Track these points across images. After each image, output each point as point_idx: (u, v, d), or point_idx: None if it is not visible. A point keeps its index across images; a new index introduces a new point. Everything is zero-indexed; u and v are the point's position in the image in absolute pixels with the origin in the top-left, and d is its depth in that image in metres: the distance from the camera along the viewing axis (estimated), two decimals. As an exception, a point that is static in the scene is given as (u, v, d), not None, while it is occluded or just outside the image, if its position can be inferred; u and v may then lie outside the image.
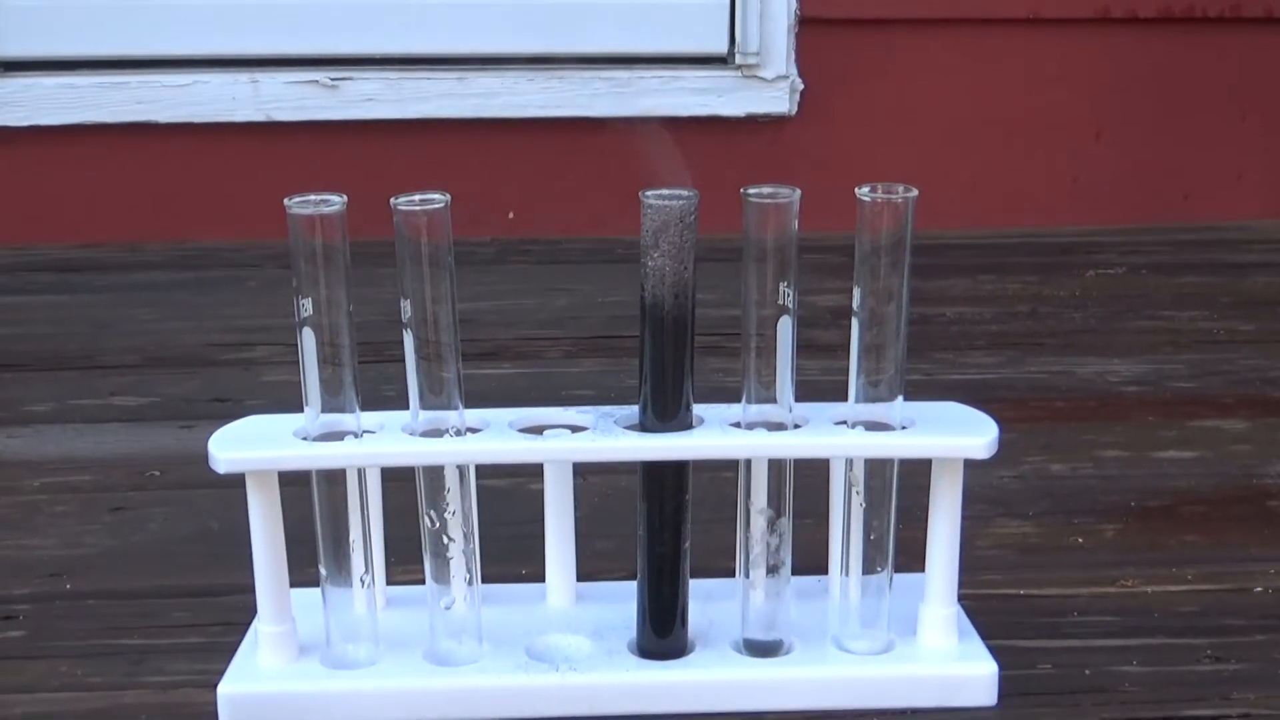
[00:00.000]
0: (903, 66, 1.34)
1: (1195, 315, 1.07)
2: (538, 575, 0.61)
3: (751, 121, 1.32)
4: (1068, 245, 1.28)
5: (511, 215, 1.32)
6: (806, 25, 1.31)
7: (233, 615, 0.61)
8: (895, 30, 1.33)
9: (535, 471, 0.71)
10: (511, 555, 0.64)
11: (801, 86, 1.32)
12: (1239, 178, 1.38)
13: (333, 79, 1.30)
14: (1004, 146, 1.36)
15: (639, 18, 1.32)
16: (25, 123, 1.28)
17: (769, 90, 1.32)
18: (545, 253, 1.26)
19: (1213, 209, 1.37)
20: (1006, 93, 1.35)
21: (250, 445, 0.51)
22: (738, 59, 1.31)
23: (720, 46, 1.32)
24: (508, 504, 0.71)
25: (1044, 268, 1.20)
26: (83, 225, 1.30)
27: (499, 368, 0.95)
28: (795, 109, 1.32)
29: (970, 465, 0.54)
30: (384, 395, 0.72)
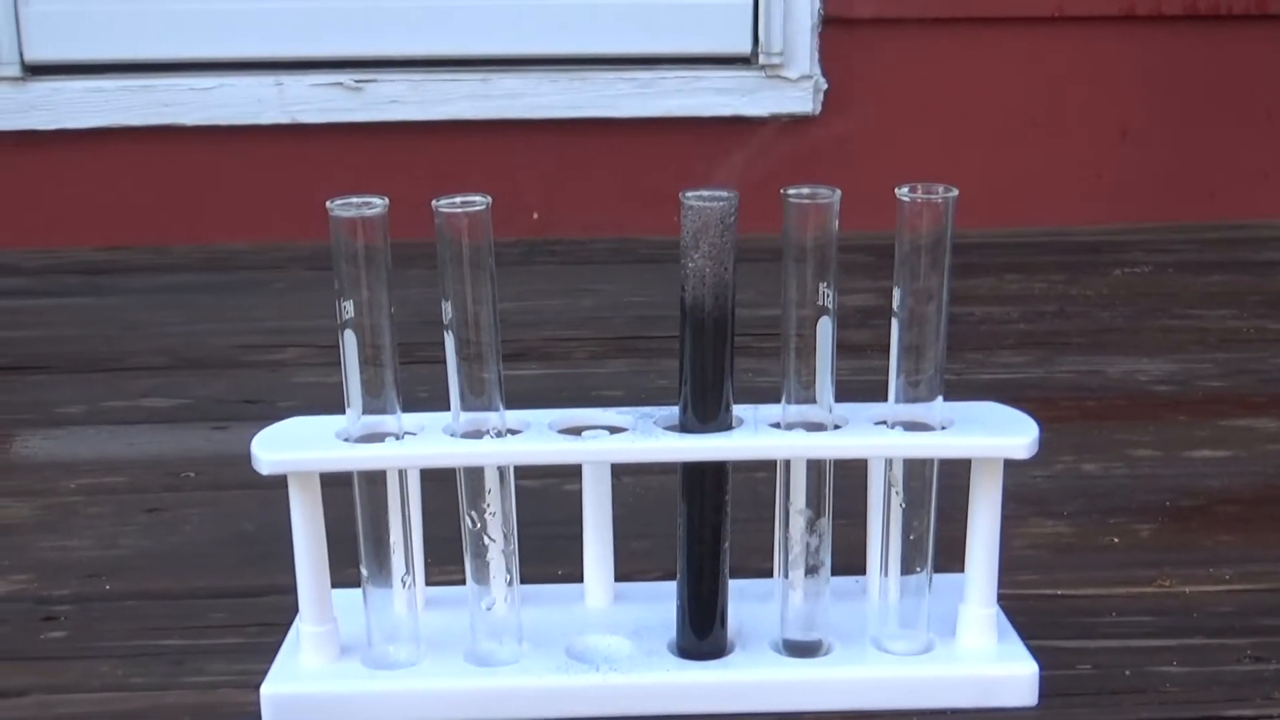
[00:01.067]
0: (926, 65, 1.34)
1: (1223, 314, 1.07)
2: (574, 576, 0.61)
3: (776, 122, 1.32)
4: (1094, 244, 1.28)
5: (536, 216, 1.32)
6: (829, 25, 1.31)
7: (271, 616, 0.61)
8: (918, 29, 1.33)
9: (568, 472, 0.71)
10: (547, 556, 0.64)
11: (825, 86, 1.32)
12: (1265, 176, 1.37)
13: (357, 81, 1.30)
14: (1028, 145, 1.35)
15: (662, 18, 1.32)
16: (52, 126, 1.29)
17: (792, 90, 1.32)
18: (570, 253, 1.26)
19: (1238, 207, 1.37)
20: (1030, 91, 1.35)
21: (293, 447, 0.52)
22: (761, 59, 1.31)
23: (744, 47, 1.32)
24: (541, 504, 0.71)
25: (1070, 266, 1.20)
26: (110, 228, 1.31)
27: (527, 368, 0.95)
28: (819, 109, 1.32)
29: (1005, 465, 0.54)
30: (417, 396, 0.72)
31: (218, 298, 1.15)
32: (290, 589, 0.55)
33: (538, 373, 0.95)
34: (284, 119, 1.30)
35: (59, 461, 0.81)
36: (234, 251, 1.28)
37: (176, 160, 1.32)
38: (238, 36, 1.30)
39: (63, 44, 1.29)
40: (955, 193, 0.51)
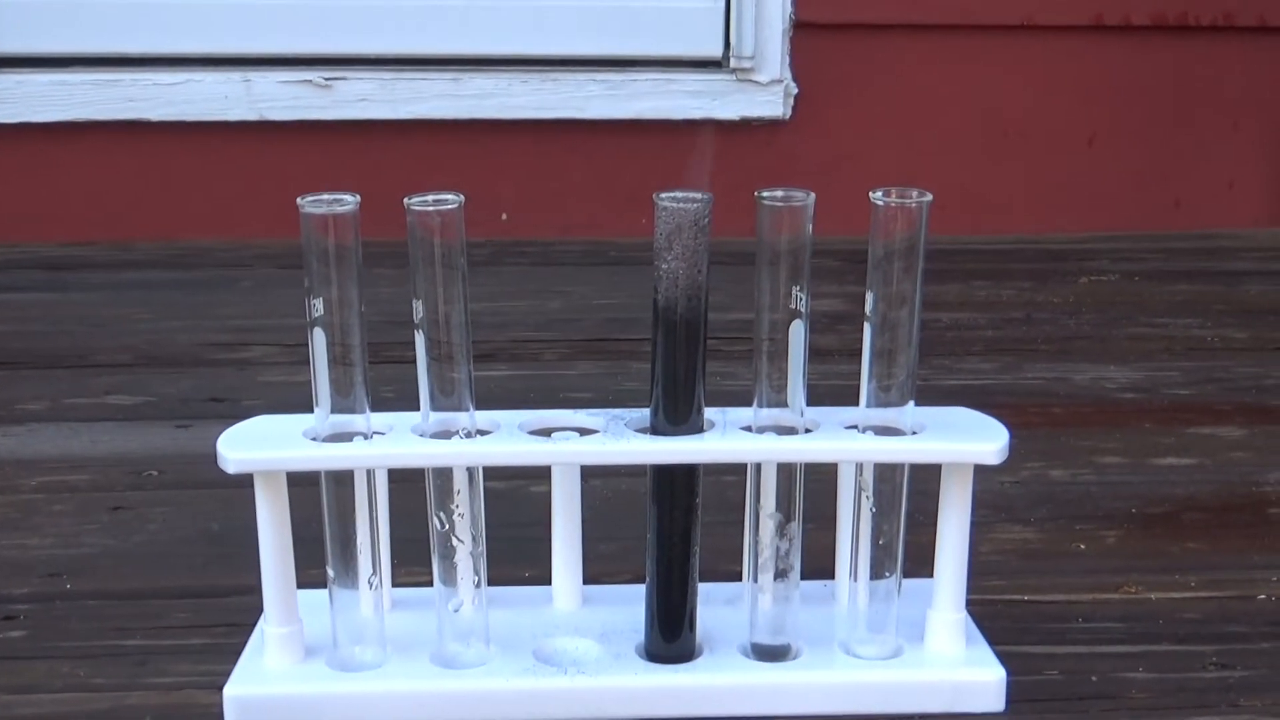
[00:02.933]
0: (896, 71, 1.34)
1: (1189, 323, 1.08)
2: (542, 578, 0.60)
3: (745, 125, 1.32)
4: (1061, 251, 1.28)
5: (505, 217, 1.32)
6: (801, 29, 1.31)
7: (235, 617, 0.60)
8: (889, 35, 1.34)
9: (536, 474, 0.71)
10: (514, 558, 0.64)
11: (796, 90, 1.32)
12: (1230, 186, 1.39)
13: (326, 79, 1.29)
14: (997, 152, 1.36)
15: (634, 20, 1.32)
16: (16, 120, 1.28)
17: (763, 94, 1.32)
18: (540, 255, 1.26)
19: (1204, 217, 1.38)
20: (1000, 98, 1.35)
21: (260, 445, 0.51)
22: (732, 62, 1.31)
23: (715, 50, 1.33)
24: (509, 506, 0.71)
25: (1038, 274, 1.21)
26: (74, 223, 1.30)
27: (496, 369, 0.95)
28: (790, 113, 1.32)
29: (975, 471, 0.54)
30: (383, 396, 0.71)
31: (183, 295, 1.14)
32: (255, 589, 0.55)
33: (506, 374, 0.95)
34: (252, 116, 1.29)
35: (20, 459, 0.80)
36: (200, 248, 1.27)
37: (142, 156, 1.30)
38: (205, 32, 1.30)
39: (27, 37, 1.28)
40: (929, 197, 0.51)
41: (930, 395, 0.90)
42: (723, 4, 1.31)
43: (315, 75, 1.29)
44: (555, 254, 1.27)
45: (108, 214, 1.30)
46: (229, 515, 0.71)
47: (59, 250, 1.26)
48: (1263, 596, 0.65)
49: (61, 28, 1.29)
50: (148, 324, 1.06)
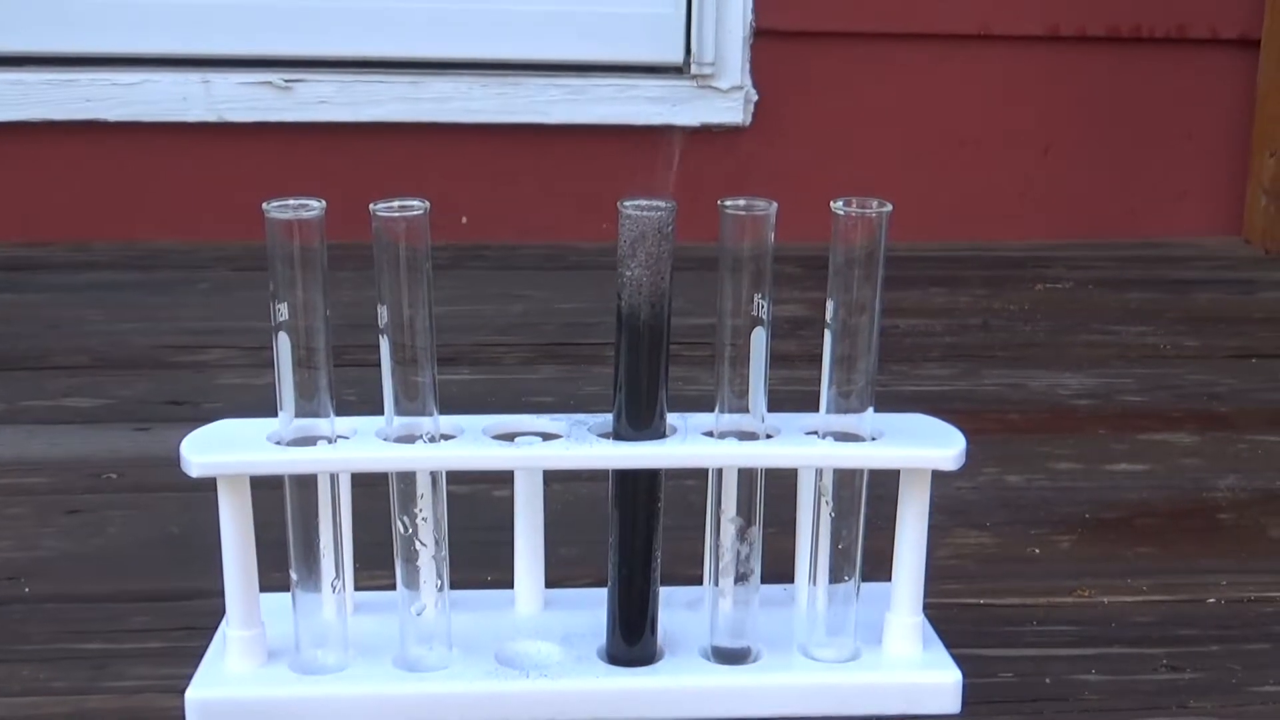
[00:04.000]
0: (856, 79, 1.35)
1: (1142, 330, 1.09)
2: (504, 582, 0.61)
3: (706, 131, 1.33)
4: (1017, 259, 1.30)
5: (465, 220, 1.32)
6: (761, 37, 1.32)
7: (195, 620, 0.60)
8: (849, 43, 1.35)
9: (498, 478, 0.71)
10: (477, 562, 0.64)
11: (756, 97, 1.33)
12: (1183, 195, 1.40)
13: (286, 80, 1.29)
14: (954, 160, 1.37)
15: (595, 26, 1.32)
16: (-28, 119, 1.27)
17: (724, 101, 1.33)
18: (500, 258, 1.26)
19: (1157, 226, 1.40)
20: (957, 107, 1.37)
21: (224, 449, 0.51)
22: (693, 69, 1.32)
23: (676, 56, 1.33)
24: (472, 510, 0.71)
25: (994, 281, 1.22)
26: (30, 224, 1.29)
27: (457, 373, 0.95)
28: (749, 120, 1.33)
29: (933, 476, 0.55)
30: (345, 399, 0.71)
31: (142, 296, 1.13)
32: (215, 592, 0.55)
33: (469, 378, 0.95)
34: (211, 117, 1.29)
35: (-24, 461, 0.79)
36: (159, 250, 1.26)
37: (100, 156, 1.29)
38: (164, 32, 1.29)
39: (-17, 35, 1.27)
40: (889, 208, 0.52)
41: (889, 401, 0.91)
42: (684, 10, 1.32)
43: (275, 77, 1.29)
44: (516, 258, 1.27)
45: (65, 215, 1.29)
46: (188, 518, 0.71)
47: (15, 251, 1.25)
48: (1212, 600, 0.66)
49: (18, 26, 1.28)
50: (105, 325, 1.05)
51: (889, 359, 1.00)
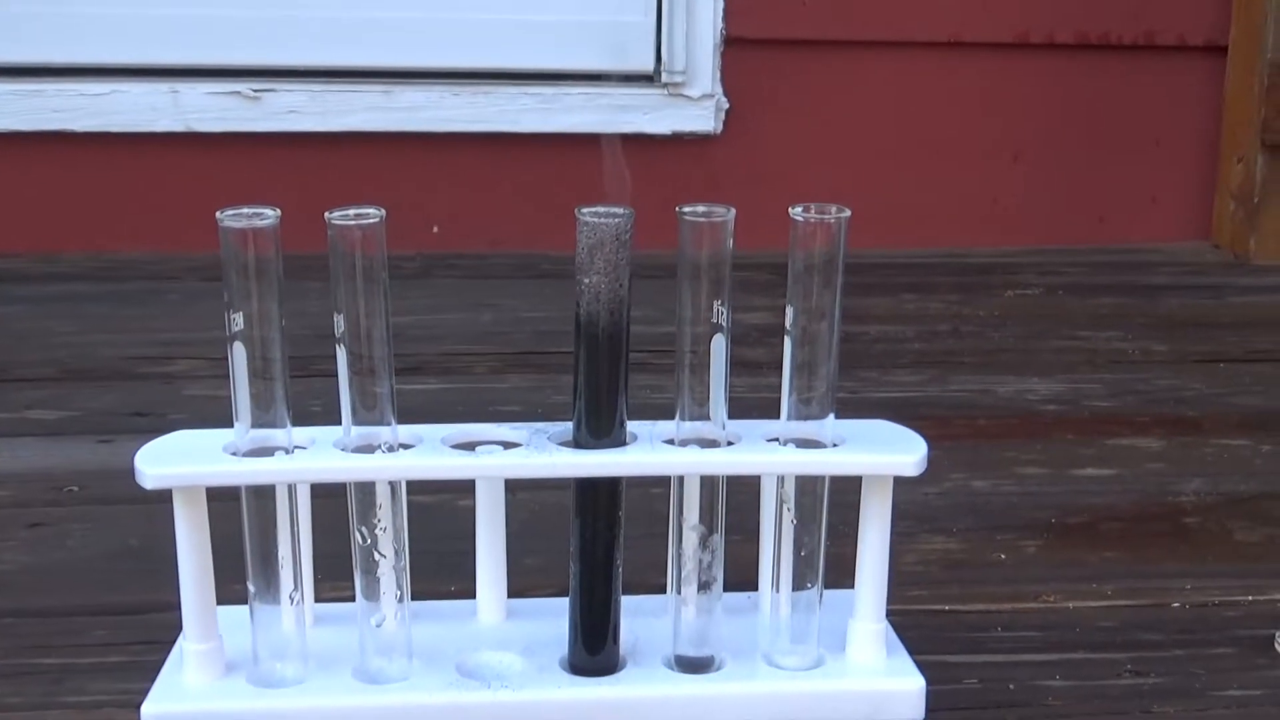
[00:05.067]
0: (826, 87, 1.36)
1: (1111, 336, 1.09)
2: (467, 592, 0.60)
3: (677, 139, 1.33)
4: (987, 265, 1.30)
5: (436, 229, 1.32)
6: (732, 45, 1.32)
7: (155, 634, 0.60)
8: (819, 51, 1.35)
9: (461, 488, 0.70)
10: (439, 572, 0.64)
11: (727, 105, 1.33)
12: (1152, 201, 1.41)
13: (255, 90, 1.28)
14: (925, 167, 1.38)
15: (566, 34, 1.32)
16: (-62, 130, 1.26)
17: (694, 109, 1.33)
18: (471, 267, 1.26)
19: (1127, 231, 1.40)
20: (928, 114, 1.37)
21: (179, 460, 0.51)
22: (664, 77, 1.32)
23: (647, 64, 1.33)
24: (434, 520, 0.71)
25: (964, 287, 1.22)
26: (-3, 235, 1.28)
27: (425, 383, 0.95)
28: (720, 127, 1.33)
29: (897, 482, 0.55)
30: (310, 410, 0.71)
31: (110, 307, 1.13)
32: (175, 606, 0.54)
33: (436, 387, 0.95)
34: (179, 127, 1.28)
35: (-63, 474, 0.79)
36: (127, 261, 1.26)
37: (67, 167, 1.29)
38: (132, 42, 1.28)
39: (-50, 46, 1.27)
40: (848, 213, 0.52)
41: (858, 407, 0.91)
42: (654, 19, 1.32)
43: (244, 87, 1.28)
44: (487, 267, 1.27)
45: (33, 225, 1.29)
46: (149, 531, 0.70)
47: (-18, 262, 1.24)
48: (1177, 605, 0.66)
49: (-15, 37, 1.27)
50: (73, 337, 1.05)
51: (859, 365, 1.00)
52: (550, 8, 1.32)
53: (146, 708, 0.52)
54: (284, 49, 1.30)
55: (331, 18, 1.30)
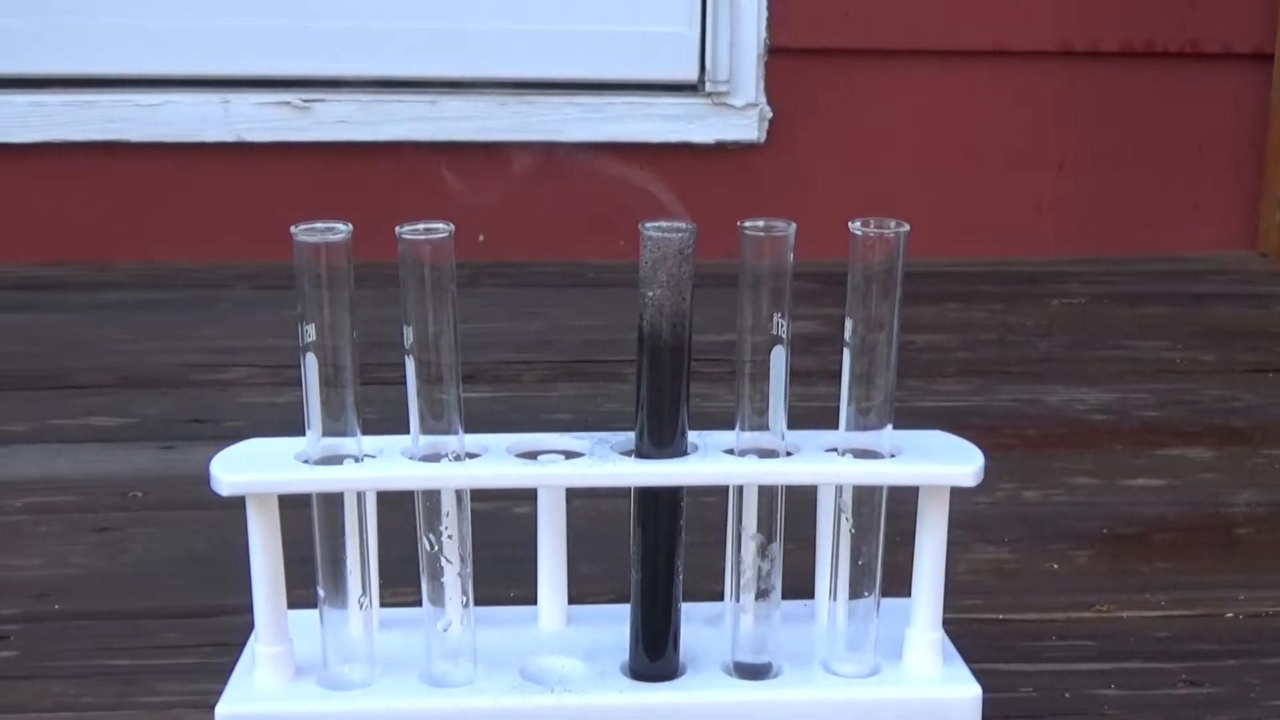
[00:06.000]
0: (869, 96, 1.36)
1: (1158, 345, 1.10)
2: (527, 598, 0.61)
3: (721, 148, 1.34)
4: (1032, 274, 1.30)
5: (482, 238, 1.33)
6: (775, 55, 1.33)
7: (223, 637, 0.61)
8: (862, 60, 1.36)
9: (520, 495, 0.71)
10: (500, 578, 0.65)
11: (770, 114, 1.34)
12: (1196, 208, 1.41)
13: (305, 100, 1.30)
14: (969, 176, 1.38)
15: (611, 45, 1.34)
16: (-5, 140, 1.28)
17: (738, 118, 1.34)
18: (518, 276, 1.27)
19: (1172, 239, 1.40)
20: (971, 123, 1.37)
21: (253, 468, 0.52)
22: (708, 87, 1.33)
23: (691, 74, 1.34)
24: (493, 527, 0.71)
25: (1010, 296, 1.23)
26: (53, 244, 1.30)
27: (477, 391, 0.96)
28: (764, 136, 1.34)
29: (951, 492, 0.55)
30: (365, 417, 0.72)
31: (162, 315, 1.14)
32: (241, 609, 0.55)
33: (488, 395, 0.96)
34: (230, 137, 1.30)
35: (4, 480, 0.80)
36: (178, 269, 1.27)
37: (120, 176, 1.31)
38: (184, 53, 1.30)
39: (6, 58, 1.29)
40: (906, 228, 0.52)
41: (905, 417, 0.91)
42: (698, 30, 1.33)
43: (294, 97, 1.30)
44: (533, 275, 1.28)
45: (86, 234, 1.31)
46: (214, 536, 0.72)
47: (37, 270, 1.26)
48: (1230, 615, 0.66)
49: (40, 49, 1.29)
50: (127, 345, 1.06)
51: (906, 374, 1.00)
52: (595, 18, 1.33)
53: (221, 708, 0.53)
54: (333, 60, 1.32)
55: (379, 29, 1.32)
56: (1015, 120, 1.37)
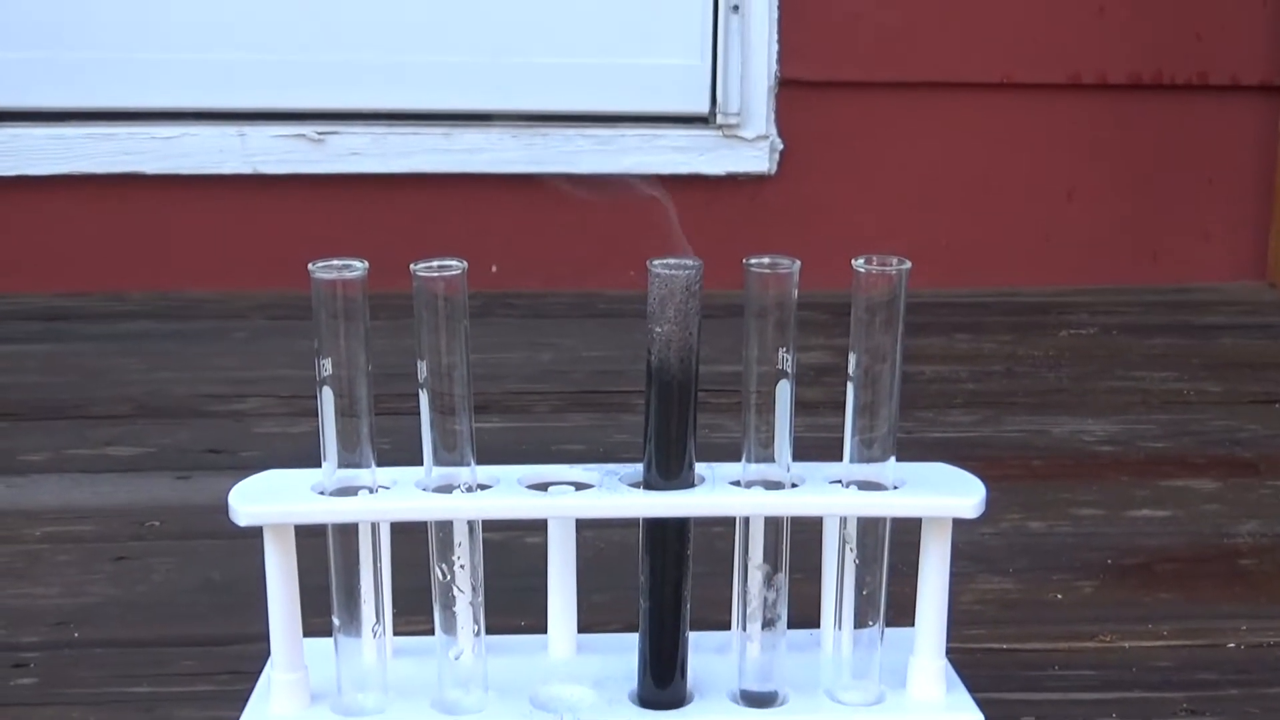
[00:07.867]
0: (879, 128, 1.38)
1: (1165, 376, 1.10)
2: (538, 627, 0.62)
3: (732, 180, 1.35)
4: (1041, 305, 1.31)
5: (495, 269, 1.34)
6: (786, 87, 1.35)
7: (240, 665, 0.62)
8: (872, 93, 1.37)
9: (530, 525, 0.72)
10: (511, 607, 0.66)
11: (781, 146, 1.35)
12: (1206, 239, 1.42)
13: (319, 133, 1.32)
14: (978, 207, 1.39)
15: (623, 77, 1.35)
16: (13, 172, 1.30)
17: (749, 150, 1.35)
18: (529, 306, 1.28)
19: (1180, 270, 1.41)
20: (980, 155, 1.39)
21: (271, 499, 0.53)
22: (719, 119, 1.35)
23: (702, 106, 1.36)
24: (505, 557, 0.73)
25: (1018, 327, 1.23)
26: (70, 275, 1.32)
27: (488, 421, 0.97)
28: (775, 168, 1.35)
29: (956, 523, 0.56)
30: (379, 448, 0.73)
31: (178, 346, 1.16)
32: (258, 637, 0.56)
33: (500, 426, 0.97)
34: (246, 169, 1.32)
35: (23, 509, 0.81)
36: (194, 300, 1.29)
37: (137, 208, 1.33)
38: (201, 87, 1.32)
39: (25, 91, 1.31)
40: (908, 265, 0.53)
41: (913, 448, 0.93)
42: (709, 62, 1.34)
43: (309, 130, 1.32)
44: (544, 306, 1.29)
45: (103, 265, 1.32)
46: (230, 565, 0.73)
47: (55, 301, 1.28)
48: (1232, 645, 0.67)
49: (58, 83, 1.31)
50: (144, 375, 1.08)
51: (914, 405, 1.01)
52: (607, 51, 1.35)
53: (237, 735, 0.54)
54: (347, 93, 1.33)
55: (393, 62, 1.33)
56: (1024, 152, 1.39)
